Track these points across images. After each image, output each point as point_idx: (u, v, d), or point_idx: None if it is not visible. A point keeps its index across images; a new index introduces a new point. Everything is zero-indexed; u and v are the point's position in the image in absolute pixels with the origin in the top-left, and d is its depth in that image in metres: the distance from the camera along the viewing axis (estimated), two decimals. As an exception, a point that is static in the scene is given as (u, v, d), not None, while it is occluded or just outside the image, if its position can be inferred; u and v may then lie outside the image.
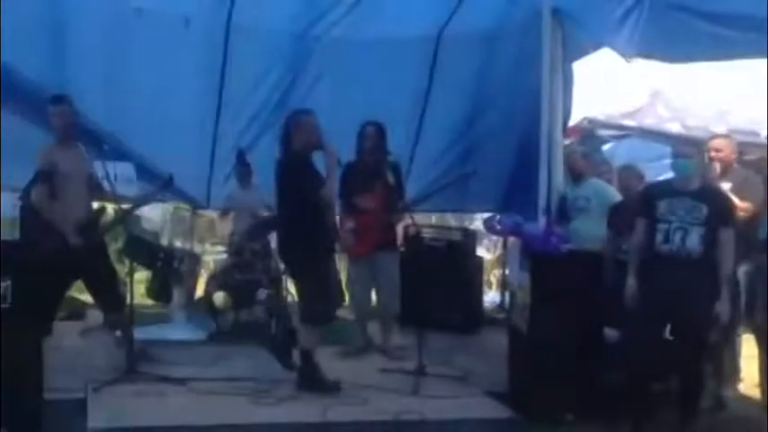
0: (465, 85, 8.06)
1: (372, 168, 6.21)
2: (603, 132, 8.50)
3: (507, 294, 7.60)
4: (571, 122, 7.61)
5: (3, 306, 4.23)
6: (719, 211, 4.70)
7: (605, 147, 8.59)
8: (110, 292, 5.76)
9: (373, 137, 6.22)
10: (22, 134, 7.01)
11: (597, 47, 7.03)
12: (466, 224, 9.06)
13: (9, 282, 4.23)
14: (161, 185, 6.10)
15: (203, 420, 4.72)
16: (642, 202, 4.99)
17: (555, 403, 4.99)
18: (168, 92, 7.40)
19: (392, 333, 6.47)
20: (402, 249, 7.20)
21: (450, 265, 7.38)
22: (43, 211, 5.43)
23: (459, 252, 7.56)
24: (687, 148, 4.99)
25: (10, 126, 7.19)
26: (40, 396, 4.42)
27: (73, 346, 6.11)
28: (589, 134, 8.37)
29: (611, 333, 5.13)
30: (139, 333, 5.59)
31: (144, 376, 5.32)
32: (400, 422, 4.82)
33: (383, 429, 4.80)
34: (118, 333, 5.97)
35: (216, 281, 7.15)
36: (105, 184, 5.65)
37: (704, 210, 4.66)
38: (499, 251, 9.15)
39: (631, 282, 4.82)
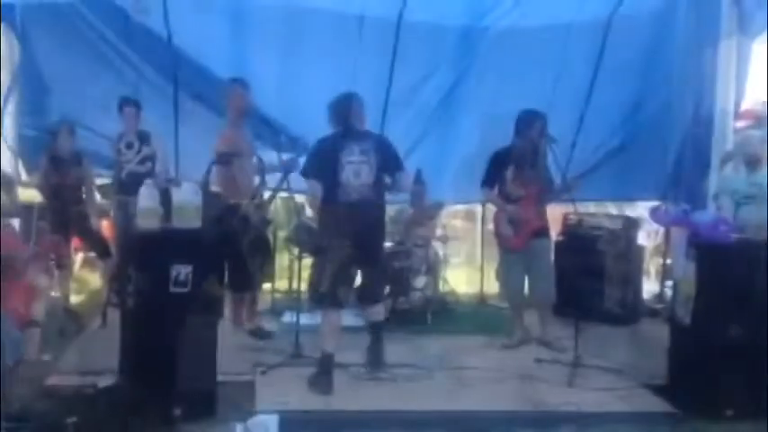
0: (632, 68, 7.88)
1: (530, 156, 6.17)
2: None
3: (668, 285, 7.35)
4: (745, 105, 7.25)
5: (183, 291, 4.52)
6: None
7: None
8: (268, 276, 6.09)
9: (531, 123, 6.13)
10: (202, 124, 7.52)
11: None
12: (627, 212, 8.78)
13: (190, 268, 4.54)
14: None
15: (364, 405, 4.87)
16: None
17: (715, 398, 4.83)
18: (338, 89, 7.66)
19: (549, 324, 6.40)
20: (561, 238, 7.12)
21: (610, 255, 7.21)
22: (228, 191, 5.81)
23: (620, 241, 7.37)
24: None
25: (190, 117, 7.75)
26: (213, 378, 4.71)
27: (242, 330, 6.45)
28: (764, 118, 7.91)
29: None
30: (303, 318, 5.81)
31: (308, 360, 5.49)
32: (557, 413, 4.80)
33: (539, 420, 4.78)
34: (285, 318, 6.28)
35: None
36: (274, 170, 5.94)
37: None
38: (659, 240, 8.81)
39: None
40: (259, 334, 6.22)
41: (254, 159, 6.11)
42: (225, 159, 5.73)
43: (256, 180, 6.14)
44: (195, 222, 4.75)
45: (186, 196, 4.84)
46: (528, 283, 6.32)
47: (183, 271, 4.52)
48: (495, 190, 6.27)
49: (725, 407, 4.80)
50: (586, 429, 4.63)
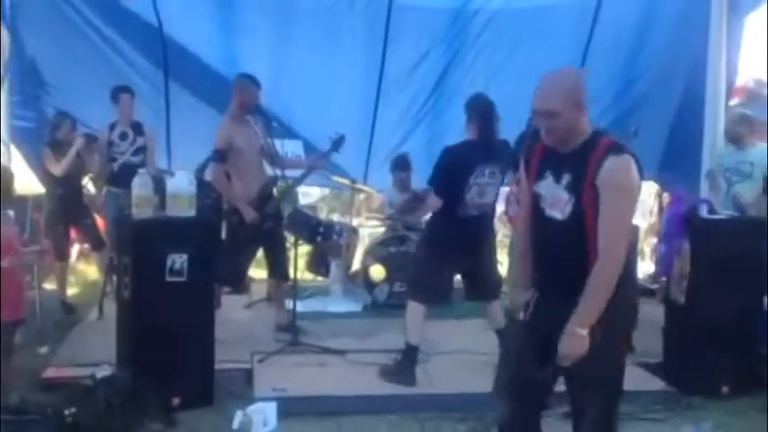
0: (624, 46, 7.79)
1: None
2: (771, 93, 7.98)
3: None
4: (737, 82, 7.23)
5: (180, 280, 4.52)
6: None
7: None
8: (284, 263, 6.06)
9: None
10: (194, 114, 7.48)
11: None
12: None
13: (186, 257, 4.53)
14: (333, 145, 5.95)
15: (361, 390, 4.90)
16: None
17: (711, 376, 4.88)
18: (331, 72, 7.62)
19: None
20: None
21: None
22: (221, 188, 5.77)
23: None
24: None
25: (181, 107, 7.71)
26: (211, 366, 4.73)
27: (239, 319, 6.45)
28: (755, 95, 7.89)
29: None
30: (299, 306, 5.81)
31: (305, 348, 5.55)
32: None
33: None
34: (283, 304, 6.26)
35: (372, 254, 7.31)
36: (276, 158, 5.90)
37: None
38: (654, 219, 8.81)
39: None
40: (289, 329, 5.82)
41: (270, 152, 5.94)
42: (219, 157, 5.69)
43: (269, 172, 6.04)
44: (189, 211, 4.74)
45: (180, 185, 4.80)
46: None
47: (178, 260, 4.53)
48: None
49: (720, 384, 4.86)
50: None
